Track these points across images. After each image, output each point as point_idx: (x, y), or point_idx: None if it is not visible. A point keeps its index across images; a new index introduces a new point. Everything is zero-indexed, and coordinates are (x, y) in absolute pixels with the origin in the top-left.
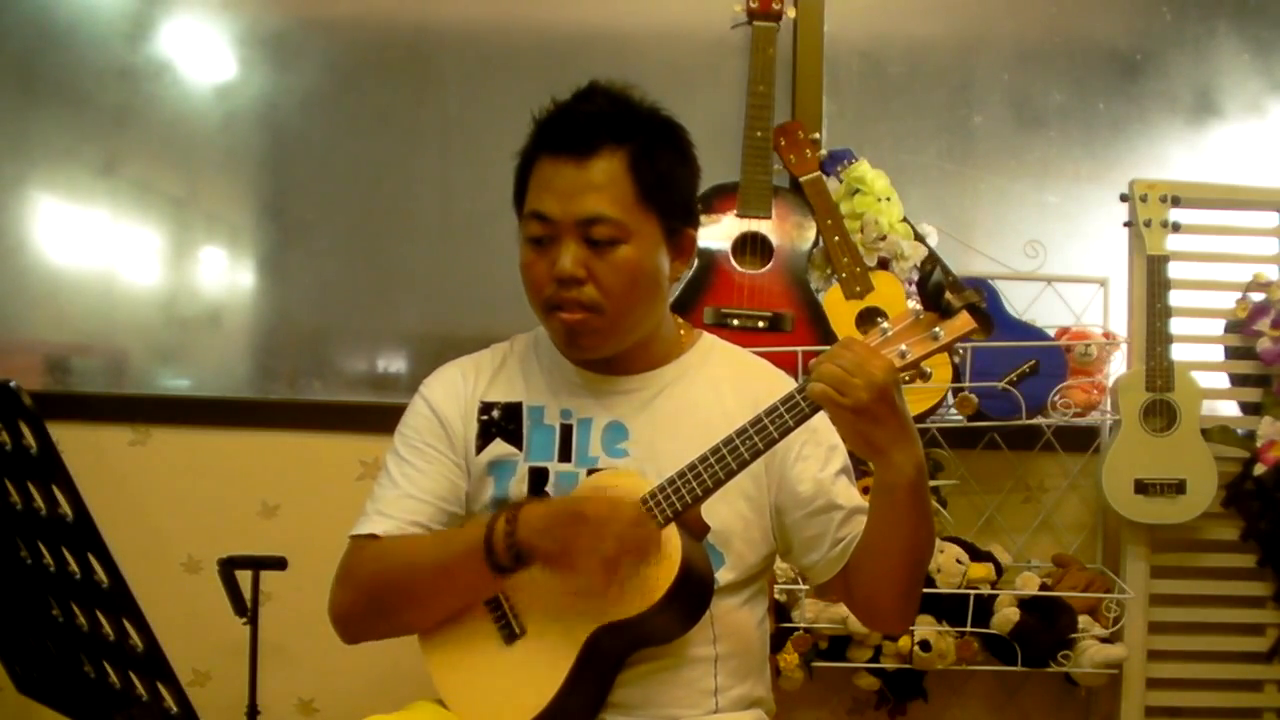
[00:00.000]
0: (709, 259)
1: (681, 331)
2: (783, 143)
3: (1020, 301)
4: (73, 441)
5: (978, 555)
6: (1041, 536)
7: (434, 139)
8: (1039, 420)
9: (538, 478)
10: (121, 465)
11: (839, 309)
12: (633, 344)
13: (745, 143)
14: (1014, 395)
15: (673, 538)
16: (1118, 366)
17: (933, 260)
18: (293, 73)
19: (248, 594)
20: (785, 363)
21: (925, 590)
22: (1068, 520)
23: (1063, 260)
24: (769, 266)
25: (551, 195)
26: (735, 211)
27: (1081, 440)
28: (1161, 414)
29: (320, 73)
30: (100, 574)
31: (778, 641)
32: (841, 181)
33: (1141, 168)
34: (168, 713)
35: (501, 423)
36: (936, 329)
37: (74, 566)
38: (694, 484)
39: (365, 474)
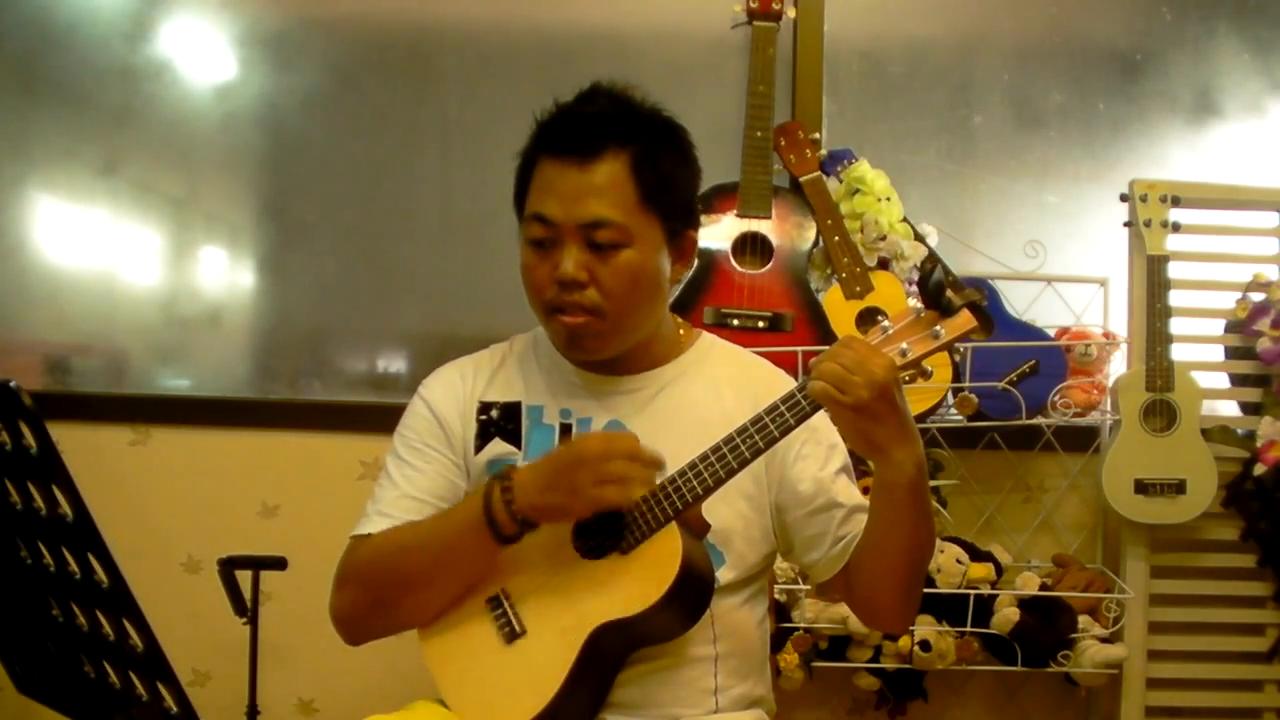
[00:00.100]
0: (709, 259)
1: (681, 331)
2: (783, 143)
3: (1020, 301)
4: (73, 441)
5: (978, 555)
6: (1041, 536)
7: (434, 139)
8: (1039, 420)
9: None
10: (121, 465)
11: (839, 309)
12: (633, 344)
13: (745, 143)
14: (1014, 395)
15: (673, 536)
16: (1118, 366)
17: (933, 260)
18: (293, 73)
19: (248, 594)
20: (785, 363)
21: (925, 590)
22: (1068, 520)
23: (1063, 260)
24: (769, 266)
25: (554, 198)
26: (735, 211)
27: (1081, 440)
28: (1161, 414)
29: (320, 73)
30: (100, 574)
31: (778, 641)
32: (841, 181)
33: (1141, 168)
34: (168, 713)
35: (500, 422)
36: (937, 327)
37: (74, 566)
38: (694, 482)
39: (365, 474)
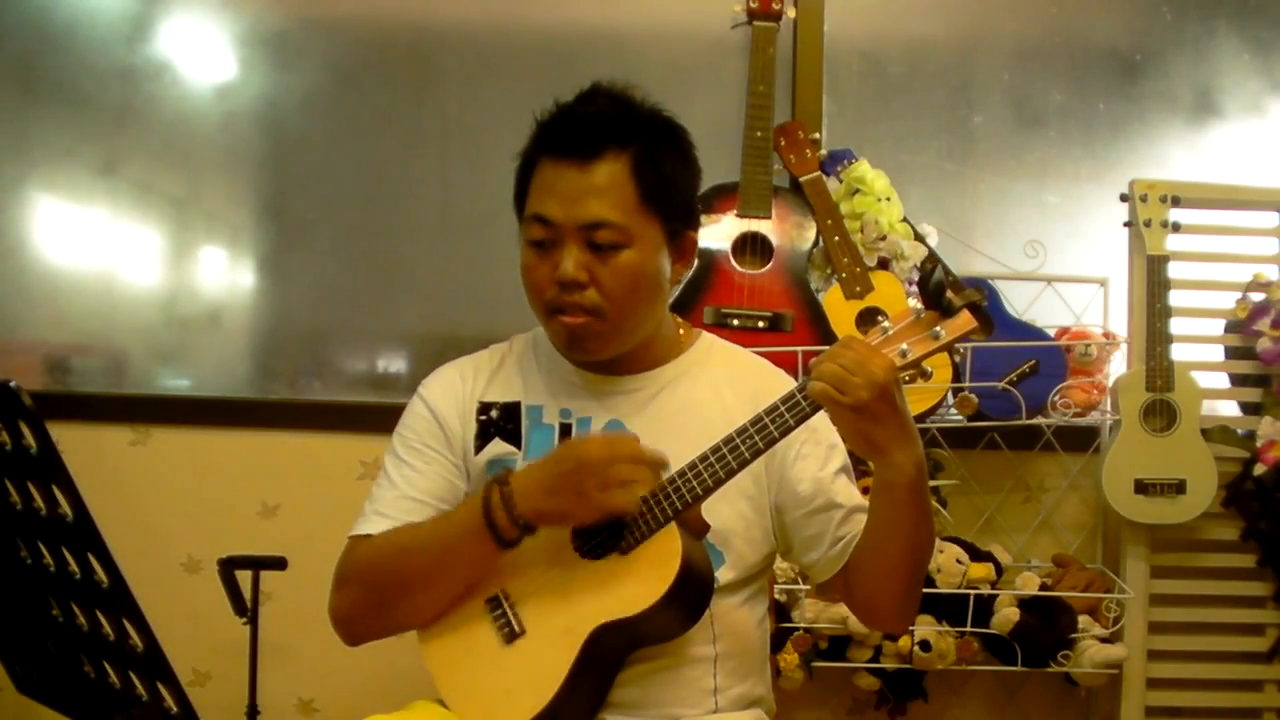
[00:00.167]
0: (709, 259)
1: (681, 331)
2: (783, 143)
3: (1020, 301)
4: (73, 441)
5: (978, 555)
6: (1041, 536)
7: (434, 139)
8: (1039, 420)
9: None
10: (121, 465)
11: (839, 309)
12: (633, 345)
13: (745, 143)
14: (1014, 395)
15: (673, 536)
16: (1118, 366)
17: (933, 260)
18: (293, 73)
19: (248, 594)
20: (785, 363)
21: (925, 590)
22: (1068, 520)
23: (1063, 260)
24: (769, 266)
25: (554, 199)
26: (735, 211)
27: (1081, 440)
28: (1161, 414)
29: (320, 73)
30: (100, 574)
31: (778, 641)
32: (841, 181)
33: (1141, 168)
34: (168, 713)
35: (500, 422)
36: (937, 328)
37: (74, 566)
38: (694, 483)
39: (365, 474)
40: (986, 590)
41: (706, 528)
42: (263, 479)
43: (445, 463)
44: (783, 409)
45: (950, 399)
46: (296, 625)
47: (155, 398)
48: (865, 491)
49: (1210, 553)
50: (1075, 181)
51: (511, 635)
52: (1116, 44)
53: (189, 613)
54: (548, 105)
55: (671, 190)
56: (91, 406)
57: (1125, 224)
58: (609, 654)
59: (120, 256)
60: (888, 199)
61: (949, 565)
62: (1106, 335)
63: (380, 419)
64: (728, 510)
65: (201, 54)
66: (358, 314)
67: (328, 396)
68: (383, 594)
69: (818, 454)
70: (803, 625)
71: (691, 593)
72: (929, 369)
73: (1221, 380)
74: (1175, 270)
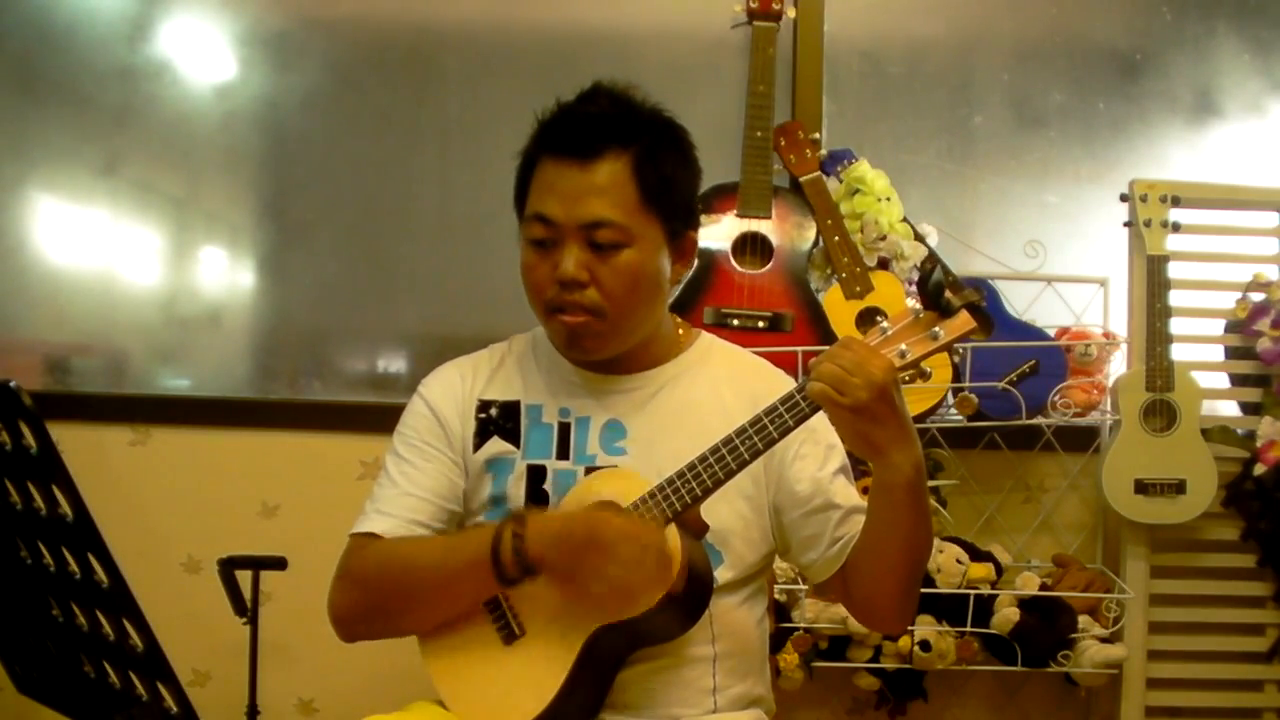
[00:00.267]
0: (709, 259)
1: (680, 331)
2: (783, 143)
3: (1020, 301)
4: (73, 441)
5: (978, 555)
6: (1041, 536)
7: (434, 139)
8: (1039, 420)
9: (536, 475)
10: (121, 465)
11: (839, 309)
12: (633, 344)
13: (745, 143)
14: (1014, 395)
15: (672, 537)
16: (1118, 366)
17: (933, 260)
18: (293, 73)
19: (248, 594)
20: (785, 363)
21: (925, 590)
22: (1068, 520)
23: (1063, 260)
24: (769, 266)
25: (555, 198)
26: (735, 211)
27: (1081, 440)
28: (1161, 414)
29: (320, 73)
30: (100, 574)
31: (778, 641)
32: (841, 181)
33: (1141, 168)
34: (168, 713)
35: (499, 421)
36: (936, 328)
37: (74, 566)
38: (693, 484)
39: (365, 474)
40: (986, 590)
41: (706, 528)
42: (263, 479)
43: (445, 460)
44: (782, 410)
45: (950, 399)
46: (296, 625)
47: (155, 398)
48: (864, 492)
49: (1210, 553)
50: (1075, 181)
51: (511, 636)
52: (1116, 44)
53: (189, 613)
54: (548, 105)
55: (672, 190)
56: (91, 406)
57: (1125, 224)
58: (608, 654)
59: (120, 256)
60: (888, 199)
61: (949, 565)
62: (1106, 335)
63: (380, 419)
64: (726, 510)
65: (201, 54)
66: (358, 314)
67: (328, 396)
68: (383, 603)
69: (816, 454)
70: (803, 625)
71: (691, 593)
72: (928, 369)
73: (1221, 380)
74: (1175, 270)
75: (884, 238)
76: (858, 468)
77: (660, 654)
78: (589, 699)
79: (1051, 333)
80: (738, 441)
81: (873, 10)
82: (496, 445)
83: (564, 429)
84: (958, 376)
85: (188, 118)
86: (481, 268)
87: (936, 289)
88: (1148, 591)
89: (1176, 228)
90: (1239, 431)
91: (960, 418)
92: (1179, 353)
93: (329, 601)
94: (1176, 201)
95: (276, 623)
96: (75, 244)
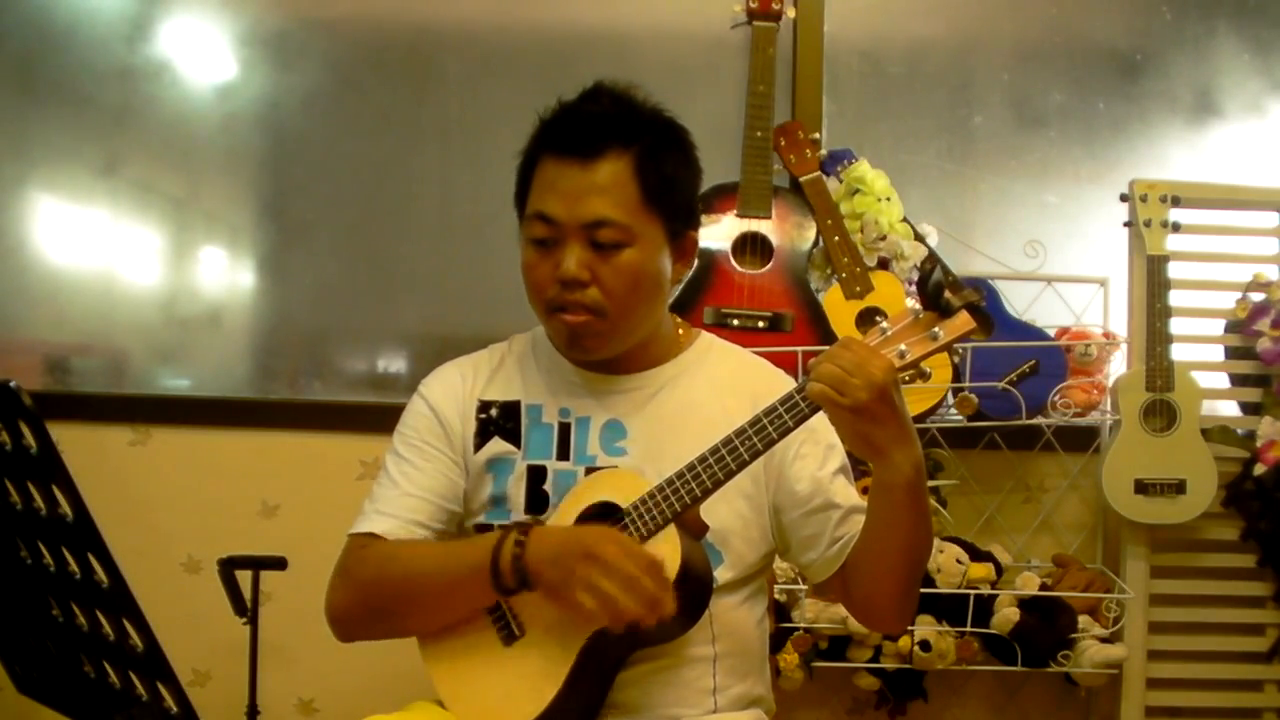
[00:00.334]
0: (709, 259)
1: (680, 331)
2: (783, 143)
3: (1020, 301)
4: (73, 441)
5: (978, 555)
6: (1041, 536)
7: (434, 139)
8: (1039, 420)
9: (536, 476)
10: (121, 465)
11: (839, 309)
12: (633, 344)
13: (745, 143)
14: (1014, 395)
15: (672, 537)
16: (1118, 366)
17: (933, 260)
18: (293, 73)
19: (248, 594)
20: (785, 363)
21: (925, 590)
22: (1068, 520)
23: (1063, 260)
24: (769, 266)
25: (556, 197)
26: (735, 211)
27: (1081, 440)
28: (1161, 414)
29: (320, 73)
30: (100, 574)
31: (778, 641)
32: (841, 181)
33: (1141, 168)
34: (168, 713)
35: (500, 421)
36: (936, 329)
37: (74, 566)
38: (693, 484)
39: (365, 474)
40: (986, 590)
41: (705, 528)
42: (263, 479)
43: (446, 460)
44: (781, 410)
45: (950, 399)
46: (296, 625)
47: (155, 398)
48: (864, 492)
49: (1210, 553)
50: (1075, 181)
51: (511, 637)
52: (1116, 44)
53: (189, 613)
54: (549, 104)
55: (673, 190)
56: (91, 406)
57: (1125, 224)
58: (608, 655)
59: (120, 256)
60: (888, 199)
61: (949, 565)
62: (1106, 335)
63: (380, 419)
64: (726, 510)
65: (201, 54)
66: (358, 314)
67: (328, 396)
68: (382, 606)
69: (816, 454)
70: (803, 625)
71: (691, 594)
72: (928, 369)
73: (1221, 380)
74: (1175, 270)
75: (884, 238)
76: (858, 468)
77: (660, 654)
78: (589, 699)
79: (1051, 333)
80: (737, 442)
81: (873, 10)
82: (497, 446)
83: (564, 429)
84: (958, 376)
85: (188, 118)
86: (481, 268)
87: (936, 289)
88: (1148, 591)
89: (1176, 228)
90: (1239, 431)
91: (960, 418)
92: (1179, 353)
93: (327, 601)
94: (1176, 201)
95: (276, 623)
96: (75, 244)
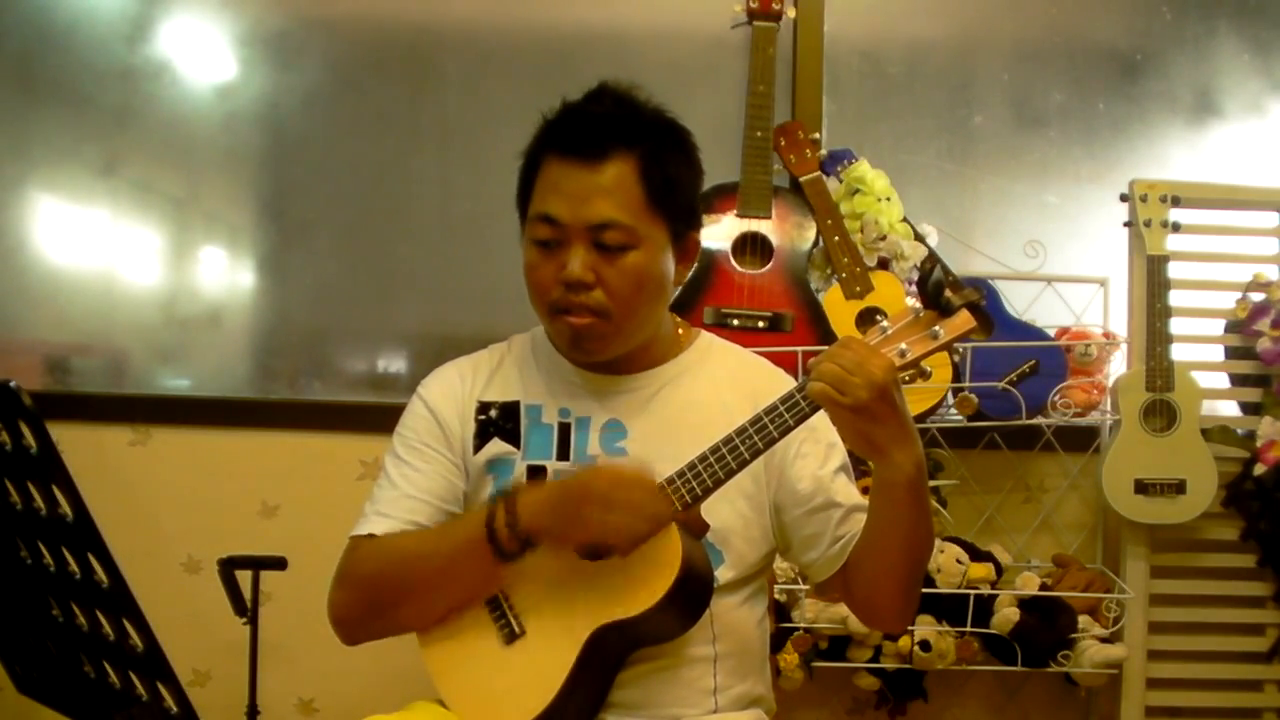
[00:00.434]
0: (709, 259)
1: (680, 330)
2: (783, 143)
3: (1020, 301)
4: (73, 441)
5: (978, 555)
6: (1041, 536)
7: (434, 139)
8: (1039, 420)
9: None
10: (121, 465)
11: (839, 309)
12: (634, 345)
13: (745, 143)
14: (1014, 395)
15: (673, 537)
16: (1118, 366)
17: (933, 260)
18: (293, 73)
19: (248, 594)
20: (785, 363)
21: (925, 590)
22: (1068, 520)
23: (1063, 260)
24: (769, 266)
25: (561, 199)
26: (735, 211)
27: (1081, 440)
28: (1161, 414)
29: (320, 73)
30: (100, 574)
31: (778, 641)
32: (841, 181)
33: (1141, 168)
34: (168, 713)
35: (499, 422)
36: (936, 327)
37: (74, 566)
38: (694, 483)
39: (365, 474)
40: (986, 590)
41: (706, 527)
42: (263, 479)
43: (445, 462)
44: (782, 409)
45: (950, 399)
46: (296, 625)
47: (155, 398)
48: (865, 491)
49: (1210, 553)
50: (1075, 181)
51: (511, 636)
52: (1116, 44)
53: (189, 613)
54: (550, 105)
55: (677, 191)
56: (91, 406)
57: (1125, 224)
58: (609, 654)
59: (120, 256)
60: (888, 199)
61: (949, 565)
62: (1106, 335)
63: (380, 419)
64: (727, 509)
65: (201, 54)
66: (358, 314)
67: (328, 396)
68: (382, 598)
69: (817, 453)
70: (803, 625)
71: (691, 593)
72: (928, 369)
73: (1221, 380)
74: (1175, 270)
75: (884, 238)
76: (858, 467)
77: (660, 654)
78: (589, 699)
79: (1051, 333)
80: (738, 441)
81: (873, 10)
82: (496, 446)
83: (564, 429)
84: (958, 376)
85: (188, 118)
86: (481, 268)
87: (936, 288)
88: (1148, 591)
89: (1176, 228)
90: (1239, 431)
91: (960, 418)
92: (1179, 353)
93: (329, 604)
94: (1176, 201)
95: (276, 623)
96: (75, 244)
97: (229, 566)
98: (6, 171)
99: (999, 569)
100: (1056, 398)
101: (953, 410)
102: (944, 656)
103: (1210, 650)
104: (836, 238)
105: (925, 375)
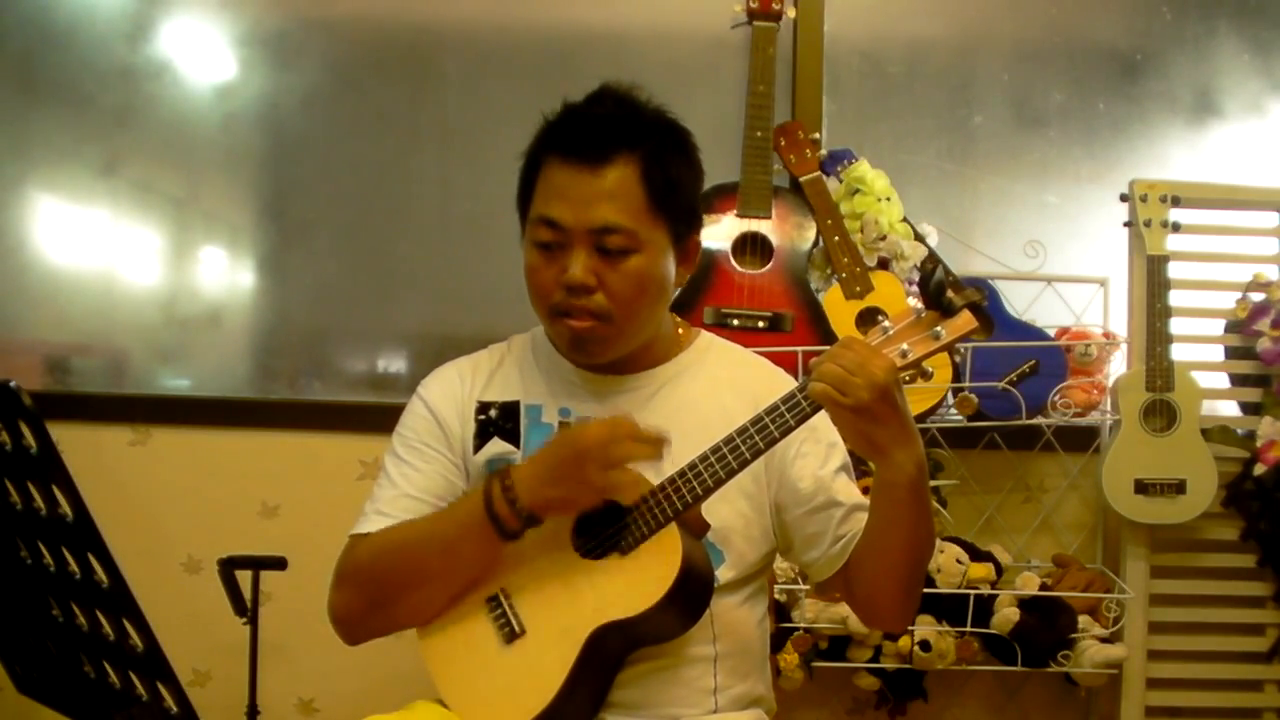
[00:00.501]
0: (709, 259)
1: (680, 330)
2: (783, 143)
3: (1020, 301)
4: (73, 441)
5: (978, 555)
6: (1041, 536)
7: (433, 139)
8: (1039, 420)
9: None
10: (121, 465)
11: (839, 309)
12: (635, 347)
13: (745, 143)
14: (1014, 395)
15: (673, 536)
16: (1118, 366)
17: (933, 260)
18: (293, 73)
19: (248, 594)
20: (785, 363)
21: (925, 590)
22: (1068, 520)
23: (1063, 260)
24: (769, 266)
25: (563, 202)
26: (735, 211)
27: (1081, 440)
28: (1161, 414)
29: (320, 73)
30: (100, 574)
31: (778, 641)
32: (841, 181)
33: (1141, 168)
34: (168, 713)
35: (499, 421)
36: (938, 328)
37: (74, 566)
38: (694, 483)
39: (365, 474)
40: (986, 590)
41: (706, 527)
42: (263, 479)
43: (445, 462)
44: (783, 409)
45: (950, 399)
46: (296, 625)
47: (155, 398)
48: (866, 491)
49: (1210, 553)
50: (1075, 181)
51: (511, 635)
52: (1116, 44)
53: (189, 613)
54: (550, 105)
55: (679, 194)
56: (91, 406)
57: (1125, 224)
58: (609, 654)
59: (120, 256)
60: (888, 199)
61: (949, 565)
62: (1106, 335)
63: (380, 419)
64: (727, 509)
65: (201, 54)
66: (358, 314)
67: (328, 396)
68: (382, 591)
69: (818, 452)
70: (803, 625)
71: (692, 593)
72: (929, 369)
73: (1221, 380)
74: (1175, 270)
75: (884, 238)
76: (859, 467)
77: (660, 654)
78: (589, 698)
79: (1051, 333)
80: (739, 440)
81: (873, 10)
82: (496, 446)
83: (564, 429)
84: (958, 376)
85: (188, 118)
86: (481, 268)
87: (938, 289)
88: (1148, 591)
89: (1176, 228)
90: (1239, 431)
91: (960, 418)
92: (1179, 353)
93: (329, 604)
94: (1176, 201)
95: (276, 623)
96: (75, 244)
97: (229, 566)
98: (6, 171)
99: (999, 569)
100: (1056, 398)
101: (953, 410)
102: (944, 656)
103: (1210, 650)
104: (836, 238)
105: (927, 376)
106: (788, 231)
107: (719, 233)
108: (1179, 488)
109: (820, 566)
